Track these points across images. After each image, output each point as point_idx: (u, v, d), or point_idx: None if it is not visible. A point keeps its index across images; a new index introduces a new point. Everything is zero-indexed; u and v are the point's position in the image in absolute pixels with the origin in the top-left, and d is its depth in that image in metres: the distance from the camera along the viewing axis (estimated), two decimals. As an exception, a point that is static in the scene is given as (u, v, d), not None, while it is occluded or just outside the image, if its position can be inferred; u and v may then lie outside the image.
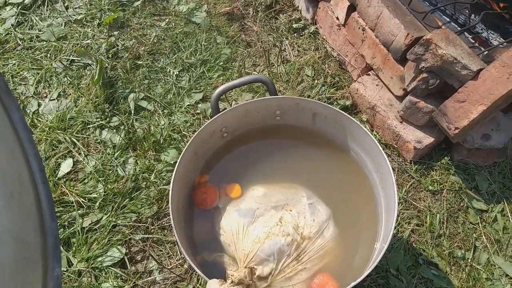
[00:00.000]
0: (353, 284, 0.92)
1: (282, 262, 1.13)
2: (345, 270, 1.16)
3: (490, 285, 1.44)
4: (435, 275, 1.44)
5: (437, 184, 1.63)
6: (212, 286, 0.97)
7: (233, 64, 1.97)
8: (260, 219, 1.19)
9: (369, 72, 1.80)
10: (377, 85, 1.76)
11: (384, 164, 1.09)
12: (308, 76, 1.90)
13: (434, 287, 1.43)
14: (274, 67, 1.94)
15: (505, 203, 1.60)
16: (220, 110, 1.24)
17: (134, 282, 1.44)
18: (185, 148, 1.13)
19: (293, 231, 1.16)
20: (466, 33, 1.62)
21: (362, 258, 1.17)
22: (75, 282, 1.42)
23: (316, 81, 1.89)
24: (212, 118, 1.19)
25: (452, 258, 1.48)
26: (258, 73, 1.92)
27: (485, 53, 1.50)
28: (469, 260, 1.48)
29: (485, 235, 1.54)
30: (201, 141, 1.23)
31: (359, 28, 1.76)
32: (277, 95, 1.25)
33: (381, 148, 1.10)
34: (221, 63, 1.96)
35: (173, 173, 1.10)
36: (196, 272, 1.02)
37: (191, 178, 1.27)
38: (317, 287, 1.12)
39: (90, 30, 2.09)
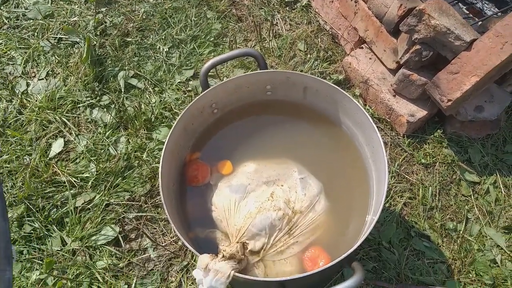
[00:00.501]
0: (343, 256, 0.92)
1: (274, 236, 1.13)
2: (337, 243, 1.17)
3: (482, 256, 1.45)
4: (427, 247, 1.46)
5: (430, 157, 1.63)
6: (203, 260, 0.97)
7: (224, 39, 1.94)
8: (252, 195, 1.19)
9: (362, 46, 1.78)
10: (370, 58, 1.74)
11: (375, 137, 1.08)
12: (301, 50, 1.87)
13: (426, 258, 1.44)
14: (266, 41, 1.91)
15: (498, 175, 1.60)
16: (211, 86, 1.22)
17: (129, 260, 1.45)
18: (175, 124, 1.12)
19: (285, 205, 1.16)
20: (460, 4, 1.59)
21: (354, 231, 1.17)
22: (69, 261, 1.43)
23: (308, 55, 1.86)
24: (201, 94, 1.17)
25: (444, 230, 1.50)
26: (250, 48, 1.89)
27: (479, 23, 1.48)
28: (461, 232, 1.49)
29: (477, 207, 1.54)
30: (191, 117, 1.21)
31: (351, 0, 1.72)
32: (268, 69, 1.23)
33: (372, 121, 1.09)
34: (212, 39, 1.93)
35: (163, 150, 1.09)
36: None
37: (182, 155, 1.26)
38: (308, 260, 1.13)
39: (77, 7, 2.04)
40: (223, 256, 1.01)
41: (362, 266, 0.95)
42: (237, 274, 0.97)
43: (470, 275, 1.41)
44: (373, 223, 0.95)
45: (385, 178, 1.01)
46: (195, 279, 1.08)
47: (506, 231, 1.50)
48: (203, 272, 0.98)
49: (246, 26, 1.98)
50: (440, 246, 1.47)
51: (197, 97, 1.17)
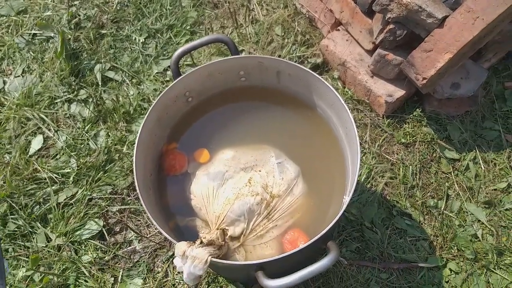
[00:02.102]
0: (317, 236, 0.93)
1: (253, 221, 1.14)
2: (316, 224, 1.18)
3: (463, 231, 1.47)
4: (408, 225, 1.47)
5: (410, 137, 1.64)
6: (180, 248, 0.98)
7: (200, 27, 1.92)
8: (230, 181, 1.20)
9: (339, 28, 1.77)
10: (347, 40, 1.73)
11: (347, 117, 1.09)
12: (278, 35, 1.86)
13: (408, 236, 1.46)
14: (243, 28, 1.89)
15: (477, 151, 1.62)
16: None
17: (114, 253, 1.45)
18: (146, 115, 1.11)
19: (262, 190, 1.16)
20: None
21: (332, 212, 1.18)
22: (55, 256, 1.44)
23: (286, 40, 1.85)
24: (173, 83, 1.16)
25: (425, 208, 1.51)
26: (227, 35, 1.88)
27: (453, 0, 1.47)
28: (442, 209, 1.51)
29: (457, 183, 1.56)
30: (164, 107, 1.21)
31: (326, -18, 1.71)
32: (240, 55, 1.22)
33: (343, 102, 1.09)
34: (188, 27, 1.91)
35: (136, 141, 1.09)
36: (172, 237, 1.03)
37: (158, 145, 1.25)
38: (288, 242, 1.14)
39: (50, 1, 2.01)
40: (201, 242, 1.01)
41: (337, 245, 0.96)
42: (214, 259, 0.98)
43: (452, 251, 1.44)
44: (346, 203, 0.95)
45: (357, 158, 1.02)
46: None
47: (487, 206, 1.52)
48: (181, 259, 0.98)
49: (223, 12, 1.96)
50: (421, 224, 1.49)
51: (168, 86, 1.16)
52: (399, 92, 1.60)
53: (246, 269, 1.02)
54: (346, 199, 0.97)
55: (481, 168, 1.59)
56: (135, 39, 1.88)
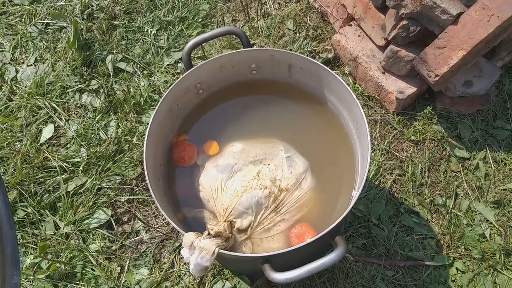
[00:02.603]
0: (325, 231, 0.93)
1: (261, 214, 1.14)
2: (323, 219, 1.17)
3: (471, 230, 1.47)
4: (416, 223, 1.47)
5: (420, 134, 1.63)
6: (188, 238, 0.98)
7: (212, 20, 1.92)
8: (238, 174, 1.20)
9: (351, 23, 1.76)
10: (359, 35, 1.72)
11: (358, 113, 1.08)
12: (290, 29, 1.86)
13: (415, 234, 1.45)
14: (255, 21, 1.89)
15: (487, 150, 1.60)
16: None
17: (122, 243, 1.46)
18: (158, 105, 1.12)
19: (271, 183, 1.16)
20: (448, -23, 1.56)
21: (340, 208, 1.18)
22: (63, 244, 1.45)
23: (297, 34, 1.84)
24: (184, 74, 1.17)
25: (433, 206, 1.51)
26: (238, 27, 1.87)
27: (467, -4, 1.45)
28: (450, 207, 1.50)
29: (466, 183, 1.55)
30: (175, 98, 1.21)
31: (339, -24, 1.70)
32: (252, 48, 1.22)
33: (355, 97, 1.09)
34: (200, 20, 1.91)
35: (147, 132, 1.10)
36: (180, 228, 1.04)
37: (168, 137, 1.26)
38: (295, 236, 1.14)
39: (64, -9, 2.02)
40: (209, 234, 1.02)
41: (345, 240, 0.96)
42: (222, 251, 0.98)
43: (459, 250, 1.43)
44: (355, 198, 0.95)
45: (368, 154, 1.01)
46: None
47: (495, 205, 1.51)
48: (189, 250, 0.99)
49: (235, 6, 1.96)
50: (429, 222, 1.48)
51: (180, 78, 1.16)
52: (410, 89, 1.59)
53: (252, 261, 1.02)
54: (355, 194, 0.97)
55: (491, 167, 1.58)
56: (147, 30, 1.89)
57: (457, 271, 1.40)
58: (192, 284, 1.38)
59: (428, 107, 1.65)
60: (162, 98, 1.14)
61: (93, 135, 1.65)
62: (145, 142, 1.08)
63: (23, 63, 1.85)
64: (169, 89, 1.14)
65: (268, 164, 1.21)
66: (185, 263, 1.42)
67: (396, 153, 1.60)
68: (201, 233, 1.02)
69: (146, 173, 1.04)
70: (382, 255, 1.42)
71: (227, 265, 1.37)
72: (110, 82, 1.76)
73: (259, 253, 0.98)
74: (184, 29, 1.88)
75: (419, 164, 1.57)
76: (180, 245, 1.45)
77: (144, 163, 1.06)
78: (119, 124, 1.66)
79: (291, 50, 1.80)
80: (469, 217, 1.49)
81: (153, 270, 1.42)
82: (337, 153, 1.26)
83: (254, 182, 1.16)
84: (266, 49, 1.20)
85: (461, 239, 1.44)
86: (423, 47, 1.48)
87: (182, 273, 1.41)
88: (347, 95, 1.13)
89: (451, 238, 1.44)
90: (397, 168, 1.57)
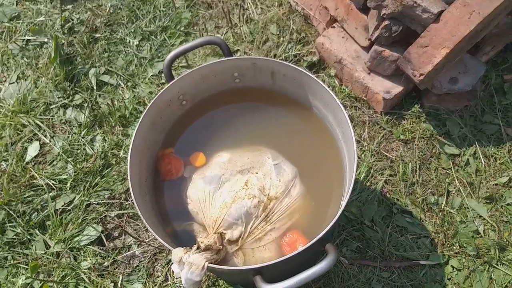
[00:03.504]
0: (316, 238, 0.92)
1: (251, 224, 1.13)
2: (315, 226, 1.16)
3: (464, 227, 1.46)
4: (409, 223, 1.46)
5: (409, 133, 1.62)
6: (176, 254, 0.97)
7: (195, 28, 1.91)
8: (226, 185, 1.18)
9: (334, 25, 1.75)
10: (342, 37, 1.71)
11: (343, 117, 1.07)
12: (273, 34, 1.85)
13: (409, 234, 1.45)
14: (238, 27, 1.87)
15: (477, 146, 1.60)
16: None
17: (113, 258, 1.44)
18: (140, 120, 1.10)
19: (259, 193, 1.15)
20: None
21: (332, 213, 1.17)
22: (54, 263, 1.43)
23: (281, 38, 1.83)
24: (166, 86, 1.15)
25: (425, 205, 1.50)
26: (222, 35, 1.86)
27: (448, -7, 1.45)
28: (443, 205, 1.49)
29: (457, 179, 1.54)
30: (158, 111, 1.19)
31: (320, -21, 1.69)
32: (234, 56, 1.21)
33: (339, 102, 1.08)
34: (182, 28, 1.89)
35: (130, 147, 1.08)
36: (169, 242, 1.02)
37: (153, 150, 1.24)
38: (287, 245, 1.13)
39: (43, 7, 2.00)
40: (198, 248, 1.00)
41: (336, 248, 0.95)
42: (212, 265, 0.97)
43: (454, 247, 1.42)
44: (342, 207, 0.94)
45: (354, 157, 1.00)
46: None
47: (488, 201, 1.50)
48: (178, 265, 0.97)
49: (217, 12, 1.95)
50: (422, 221, 1.47)
51: (161, 90, 1.14)
52: (396, 89, 1.59)
53: (244, 273, 1.00)
54: (343, 203, 0.96)
55: (482, 163, 1.57)
56: (129, 42, 1.87)
57: (453, 269, 1.40)
58: (187, 298, 1.36)
59: (415, 106, 1.65)
60: (144, 112, 1.12)
61: (79, 151, 1.63)
62: (128, 158, 1.06)
63: (5, 81, 1.83)
64: (150, 102, 1.13)
65: (256, 173, 1.20)
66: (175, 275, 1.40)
67: (386, 153, 1.59)
68: (189, 247, 1.00)
69: (131, 190, 1.02)
70: (377, 257, 1.41)
71: (221, 277, 1.36)
72: (94, 96, 1.74)
73: (249, 265, 0.97)
74: (167, 39, 1.87)
75: (410, 163, 1.56)
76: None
77: (129, 179, 1.04)
78: (105, 138, 1.64)
79: (275, 54, 1.79)
80: (462, 214, 1.48)
81: (147, 284, 1.40)
82: (325, 158, 1.25)
83: (242, 192, 1.15)
84: (247, 57, 1.19)
85: (455, 237, 1.44)
86: (406, 46, 1.48)
87: (176, 286, 1.39)
88: (331, 100, 1.12)
89: (445, 236, 1.44)
90: (387, 168, 1.57)
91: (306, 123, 1.29)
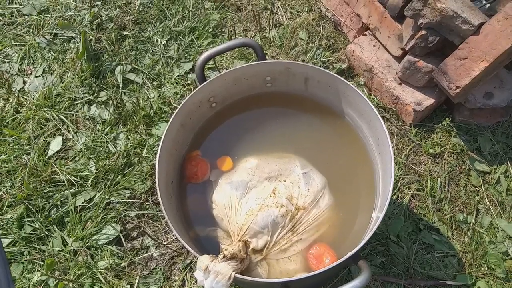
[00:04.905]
0: (347, 255, 0.88)
1: (277, 234, 1.09)
2: (342, 239, 1.13)
3: (493, 248, 1.41)
4: (436, 240, 1.41)
5: (438, 147, 1.57)
6: (202, 262, 0.93)
7: (223, 30, 1.88)
8: (253, 191, 1.15)
9: (366, 33, 1.72)
10: (374, 45, 1.68)
11: (380, 128, 1.03)
12: (302, 39, 1.82)
13: (436, 252, 1.40)
14: (266, 31, 1.85)
15: (509, 164, 1.54)
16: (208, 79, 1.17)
17: (131, 259, 1.42)
18: (170, 121, 1.08)
19: (287, 201, 1.11)
20: (467, -14, 1.52)
21: (360, 227, 1.13)
22: (71, 261, 1.41)
23: (310, 44, 1.80)
24: (197, 88, 1.13)
25: (453, 222, 1.45)
26: (250, 38, 1.84)
27: (488, 6, 1.41)
28: (471, 224, 1.44)
29: (487, 198, 1.49)
30: (188, 113, 1.17)
31: (353, -15, 1.66)
32: (266, 60, 1.18)
33: (376, 111, 1.04)
34: (210, 30, 1.87)
35: (159, 148, 1.05)
36: (192, 247, 0.99)
37: (180, 152, 1.22)
38: (313, 258, 1.09)
39: (72, 1, 2.00)
40: (224, 257, 0.97)
41: (369, 264, 0.91)
42: (238, 275, 0.93)
43: (482, 269, 1.37)
44: (379, 220, 0.90)
45: (391, 170, 0.96)
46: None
47: (518, 221, 1.45)
48: (203, 273, 0.94)
49: (246, 15, 1.92)
50: (450, 239, 1.42)
51: (193, 91, 1.12)
52: (428, 101, 1.54)
53: (270, 286, 0.97)
54: (380, 215, 0.92)
55: (513, 182, 1.52)
56: (156, 41, 1.85)
57: (480, 291, 1.34)
58: (204, 304, 1.32)
59: (446, 119, 1.60)
60: (175, 113, 1.10)
61: (102, 148, 1.61)
62: (157, 159, 1.04)
63: (30, 74, 1.83)
64: (181, 103, 1.10)
65: (284, 181, 1.17)
66: (196, 282, 1.37)
67: (414, 167, 1.55)
68: (216, 255, 0.97)
69: (158, 191, 1.00)
70: (402, 274, 1.36)
71: (241, 286, 1.32)
72: (119, 94, 1.72)
73: (277, 279, 0.93)
74: (195, 40, 1.85)
75: (438, 178, 1.52)
76: (191, 262, 1.41)
77: (156, 181, 1.01)
78: (129, 137, 1.62)
79: (303, 60, 1.76)
80: (492, 234, 1.43)
81: (163, 288, 1.37)
82: (356, 169, 1.21)
83: (269, 200, 1.12)
84: (282, 61, 1.16)
85: (483, 257, 1.38)
86: (442, 57, 1.43)
87: (193, 292, 1.36)
88: (367, 109, 1.09)
89: (473, 256, 1.38)
90: (415, 182, 1.52)
91: (338, 132, 1.26)
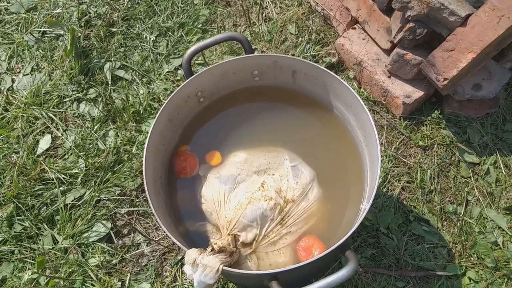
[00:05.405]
0: (334, 246, 0.88)
1: (266, 227, 1.09)
2: (331, 231, 1.13)
3: (483, 238, 1.41)
4: (426, 231, 1.42)
5: (428, 139, 1.58)
6: (190, 255, 0.93)
7: (212, 25, 1.88)
8: (242, 185, 1.15)
9: (355, 26, 1.72)
10: (363, 39, 1.68)
11: (367, 119, 1.04)
12: (292, 33, 1.81)
13: (426, 243, 1.40)
14: (256, 26, 1.84)
15: (498, 155, 1.55)
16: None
17: (122, 256, 1.41)
18: (157, 115, 1.07)
19: (276, 195, 1.11)
20: (454, -22, 1.52)
21: (349, 219, 1.13)
22: (61, 259, 1.40)
23: (300, 38, 1.80)
24: (185, 82, 1.12)
25: (443, 214, 1.46)
26: (240, 33, 1.83)
27: (475, -3, 1.41)
28: (461, 215, 1.45)
29: (477, 189, 1.50)
30: (175, 107, 1.17)
31: (342, -21, 1.66)
32: (254, 54, 1.18)
33: (362, 103, 1.04)
34: (200, 25, 1.87)
35: (146, 143, 1.05)
36: (182, 242, 0.99)
37: (168, 147, 1.21)
38: (302, 250, 1.09)
39: (60, -1, 1.99)
40: (212, 250, 0.97)
41: (356, 255, 0.91)
42: (226, 268, 0.93)
43: (472, 259, 1.38)
44: (366, 211, 0.91)
45: (378, 162, 0.97)
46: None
47: (508, 212, 1.46)
48: (192, 267, 0.94)
49: (235, 10, 1.92)
50: (440, 230, 1.43)
51: (180, 86, 1.12)
52: (417, 93, 1.55)
53: (259, 278, 0.97)
54: (366, 206, 0.92)
55: (502, 172, 1.53)
56: (145, 37, 1.85)
57: (470, 281, 1.35)
58: (196, 299, 1.32)
59: (435, 111, 1.61)
60: (162, 107, 1.09)
61: (91, 145, 1.60)
62: (144, 154, 1.03)
63: (19, 72, 1.81)
64: (169, 98, 1.10)
65: (273, 174, 1.17)
66: (186, 277, 1.37)
67: (404, 159, 1.55)
68: (204, 249, 0.97)
69: (146, 187, 1.00)
70: (392, 265, 1.37)
71: (232, 280, 1.32)
72: (109, 91, 1.71)
73: (266, 270, 0.93)
74: (184, 35, 1.84)
75: (428, 170, 1.52)
76: (183, 258, 1.40)
77: (144, 177, 1.01)
78: (118, 134, 1.62)
79: (293, 55, 1.76)
80: (481, 224, 1.44)
81: (155, 284, 1.37)
82: (344, 161, 1.21)
83: (258, 193, 1.12)
84: (269, 55, 1.16)
85: (473, 248, 1.39)
86: (430, 50, 1.44)
87: (185, 287, 1.36)
88: (354, 101, 1.09)
89: (463, 246, 1.39)
90: (405, 174, 1.52)
91: (326, 125, 1.26)
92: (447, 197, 1.49)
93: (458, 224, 1.43)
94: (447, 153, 1.56)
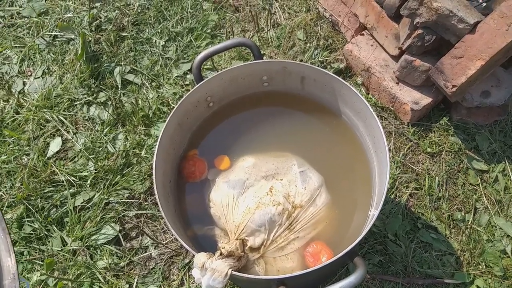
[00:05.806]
0: (343, 252, 0.89)
1: (274, 232, 1.10)
2: (339, 237, 1.13)
3: (491, 246, 1.41)
4: (434, 239, 1.41)
5: (436, 146, 1.58)
6: (199, 259, 0.94)
7: (221, 31, 1.89)
8: (250, 190, 1.16)
9: (363, 32, 1.72)
10: (371, 45, 1.68)
11: (375, 126, 1.04)
12: (300, 39, 1.82)
13: (434, 251, 1.40)
14: (264, 31, 1.86)
15: (507, 162, 1.55)
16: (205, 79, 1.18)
17: (130, 259, 1.42)
18: (168, 120, 1.09)
19: (284, 200, 1.12)
20: (464, -15, 1.52)
21: (357, 225, 1.14)
22: (70, 261, 1.41)
23: (308, 44, 1.81)
24: (195, 87, 1.13)
25: (451, 221, 1.45)
26: (249, 38, 1.84)
27: (483, 4, 1.41)
28: (469, 222, 1.44)
29: (485, 196, 1.49)
30: (185, 112, 1.18)
31: (351, -15, 1.66)
32: (263, 59, 1.19)
33: (371, 109, 1.04)
34: (209, 31, 1.88)
35: (156, 147, 1.06)
36: (190, 246, 1.00)
37: (178, 151, 1.22)
38: (310, 255, 1.09)
39: (72, 3, 2.01)
40: (221, 254, 0.98)
41: (365, 262, 0.91)
42: (235, 272, 0.94)
43: (480, 267, 1.37)
44: (374, 218, 0.91)
45: (386, 169, 0.97)
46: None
47: (516, 220, 1.45)
48: (200, 271, 0.95)
49: (244, 16, 1.93)
50: (448, 238, 1.42)
51: (190, 91, 1.13)
52: (425, 100, 1.55)
53: (267, 283, 0.97)
54: (375, 212, 0.93)
55: (511, 180, 1.52)
56: (155, 42, 1.86)
57: (478, 289, 1.35)
58: (203, 303, 1.33)
59: (444, 118, 1.61)
60: (172, 112, 1.11)
61: (101, 148, 1.62)
62: (154, 158, 1.04)
63: (30, 75, 1.84)
64: (179, 102, 1.11)
65: (281, 179, 1.17)
66: (194, 281, 1.37)
67: (412, 166, 1.55)
68: (213, 253, 0.98)
69: (155, 190, 1.01)
70: (400, 272, 1.37)
71: (238, 284, 1.33)
72: (118, 94, 1.73)
73: (274, 276, 0.94)
74: (193, 40, 1.86)
75: (436, 177, 1.52)
76: (190, 261, 1.41)
77: (154, 180, 1.02)
78: (127, 137, 1.63)
79: (301, 60, 1.76)
80: (489, 232, 1.43)
81: (162, 287, 1.37)
82: (352, 167, 1.22)
83: (266, 198, 1.12)
84: (278, 60, 1.17)
85: (481, 256, 1.38)
86: (438, 56, 1.44)
87: (192, 291, 1.36)
88: (363, 108, 1.09)
89: (471, 254, 1.39)
90: (413, 181, 1.52)
91: (334, 131, 1.26)
92: (455, 205, 1.48)
93: (467, 232, 1.42)
94: (456, 160, 1.56)
